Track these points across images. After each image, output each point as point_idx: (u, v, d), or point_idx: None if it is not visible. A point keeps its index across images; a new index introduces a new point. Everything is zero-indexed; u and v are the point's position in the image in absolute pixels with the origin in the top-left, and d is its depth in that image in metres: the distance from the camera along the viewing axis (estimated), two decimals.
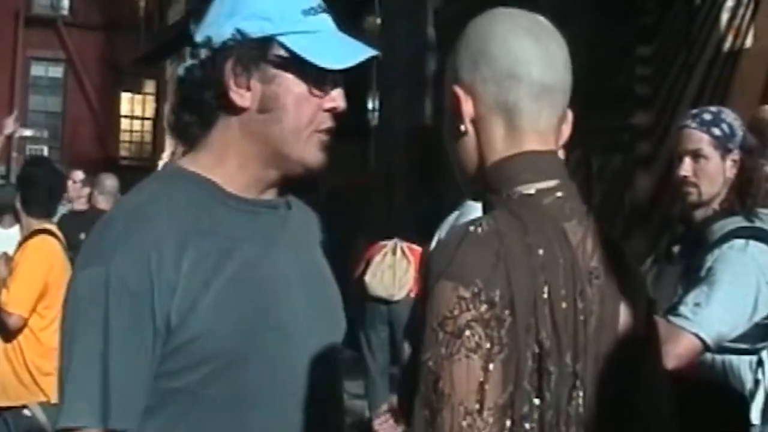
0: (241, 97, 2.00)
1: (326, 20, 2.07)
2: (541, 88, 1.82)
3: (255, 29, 1.99)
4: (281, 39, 2.00)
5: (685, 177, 3.59)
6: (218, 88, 2.00)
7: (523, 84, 1.81)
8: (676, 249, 3.70)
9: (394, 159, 14.60)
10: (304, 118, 2.02)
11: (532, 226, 1.74)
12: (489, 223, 1.73)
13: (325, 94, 2.05)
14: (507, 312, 1.66)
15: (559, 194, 1.81)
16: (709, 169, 3.57)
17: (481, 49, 1.83)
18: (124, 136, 35.26)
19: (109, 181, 10.31)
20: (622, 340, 1.81)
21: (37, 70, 38.73)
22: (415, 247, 8.81)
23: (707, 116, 3.62)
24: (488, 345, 1.64)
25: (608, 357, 1.78)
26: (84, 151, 29.89)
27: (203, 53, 2.02)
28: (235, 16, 2.00)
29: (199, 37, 2.04)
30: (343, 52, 2.04)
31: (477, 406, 1.63)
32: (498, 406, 1.64)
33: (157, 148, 28.97)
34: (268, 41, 1.99)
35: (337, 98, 2.06)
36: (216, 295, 1.95)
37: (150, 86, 33.86)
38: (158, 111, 32.04)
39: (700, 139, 3.57)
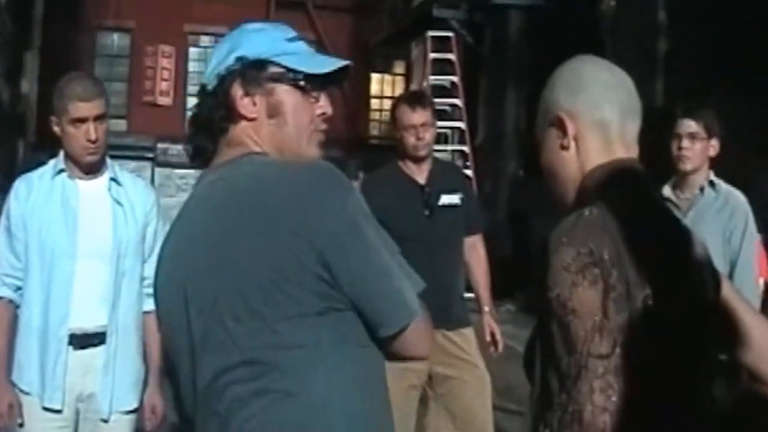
0: (249, 110, 2.50)
1: (304, 44, 2.58)
2: (623, 106, 2.37)
3: (253, 54, 2.49)
4: (275, 59, 2.50)
5: None
6: (228, 106, 2.50)
7: (613, 104, 2.35)
8: None
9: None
10: (304, 120, 2.53)
11: (623, 210, 2.23)
12: (595, 210, 2.22)
13: (315, 100, 2.55)
14: (614, 267, 2.13)
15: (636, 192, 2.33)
16: None
17: (577, 82, 2.37)
18: (374, 116, 36.03)
19: None
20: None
21: None
22: None
23: None
24: (603, 284, 2.12)
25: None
26: (335, 130, 30.52)
27: (211, 86, 2.52)
28: (235, 51, 2.51)
29: (205, 80, 2.54)
30: (322, 63, 2.56)
31: (602, 315, 2.10)
32: (617, 322, 2.11)
33: None
34: (264, 62, 2.50)
35: (324, 105, 2.57)
36: None
37: (400, 67, 34.49)
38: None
39: None
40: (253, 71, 2.49)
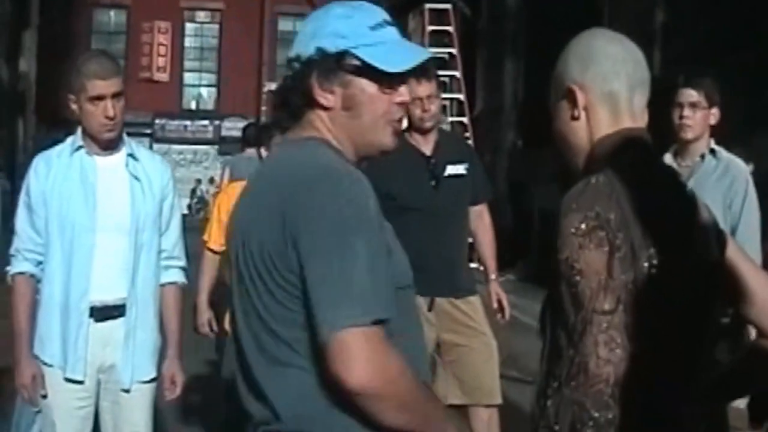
0: (325, 99, 2.54)
1: (390, 32, 2.57)
2: (631, 80, 2.50)
3: (332, 46, 2.51)
4: (354, 51, 2.51)
5: None
6: (306, 93, 2.55)
7: (621, 78, 2.48)
8: None
9: None
10: (378, 111, 2.54)
11: (630, 177, 2.37)
12: (603, 177, 2.37)
13: (393, 91, 2.54)
14: (620, 229, 2.29)
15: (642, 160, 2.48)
16: None
17: (588, 55, 2.50)
18: None
19: None
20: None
21: (284, 25, 40.09)
22: None
23: None
24: (608, 246, 2.27)
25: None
26: None
27: (295, 66, 2.57)
28: (316, 37, 2.54)
29: (290, 54, 2.59)
30: (404, 57, 2.54)
31: (607, 274, 2.26)
32: (622, 281, 2.26)
33: None
34: (343, 54, 2.51)
35: (403, 93, 2.56)
36: None
37: None
38: None
39: None
40: (331, 63, 2.52)
